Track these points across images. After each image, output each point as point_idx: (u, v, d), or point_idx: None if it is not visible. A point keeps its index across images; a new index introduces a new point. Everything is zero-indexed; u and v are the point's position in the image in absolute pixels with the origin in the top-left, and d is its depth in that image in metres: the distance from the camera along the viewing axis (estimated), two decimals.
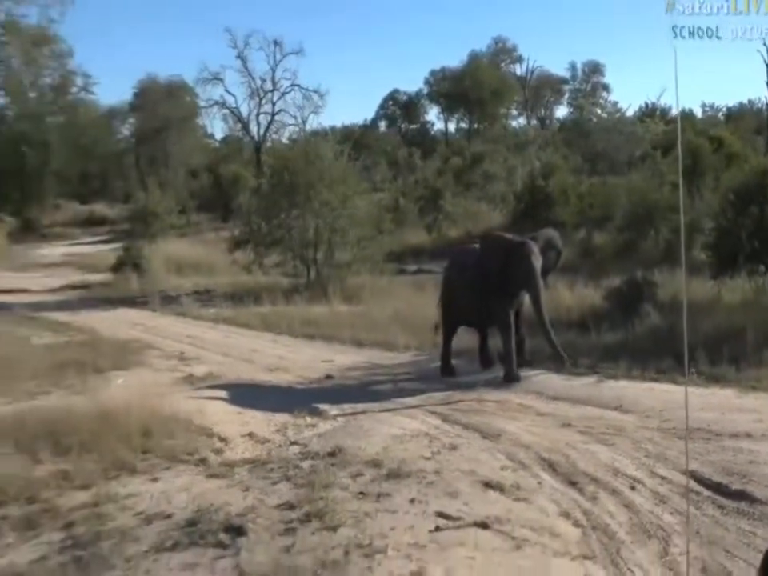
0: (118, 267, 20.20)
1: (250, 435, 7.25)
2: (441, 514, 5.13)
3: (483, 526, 4.95)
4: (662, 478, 5.83)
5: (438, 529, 4.92)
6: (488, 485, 5.65)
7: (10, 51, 24.16)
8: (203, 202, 36.93)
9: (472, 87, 48.73)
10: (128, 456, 6.31)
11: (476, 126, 51.60)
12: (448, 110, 53.04)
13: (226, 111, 43.83)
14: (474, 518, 5.06)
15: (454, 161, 32.98)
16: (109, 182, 42.21)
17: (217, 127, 65.97)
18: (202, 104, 43.74)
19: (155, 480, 6.00)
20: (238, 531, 4.88)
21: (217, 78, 42.12)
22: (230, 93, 43.08)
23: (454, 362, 9.79)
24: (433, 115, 54.93)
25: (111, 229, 33.13)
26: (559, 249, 9.93)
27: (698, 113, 46.78)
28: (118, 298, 17.82)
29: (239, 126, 44.90)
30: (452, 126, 54.52)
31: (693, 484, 5.58)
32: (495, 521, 5.02)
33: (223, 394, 8.64)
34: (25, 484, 5.75)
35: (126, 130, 45.19)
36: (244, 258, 18.78)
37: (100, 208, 40.15)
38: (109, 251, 23.51)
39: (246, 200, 22.49)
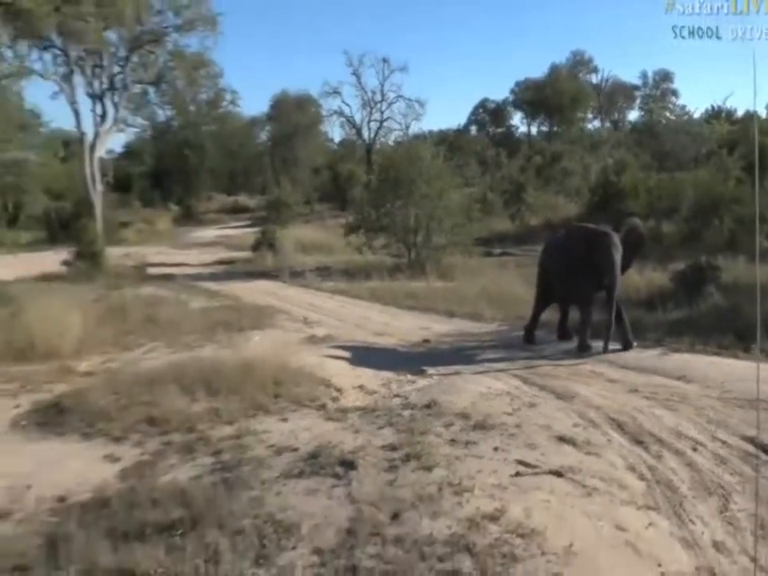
0: (256, 247, 20.74)
1: (361, 387, 7.25)
2: (520, 462, 5.00)
3: (558, 474, 4.79)
4: (723, 442, 5.42)
5: (518, 474, 4.80)
6: (562, 439, 5.45)
7: (175, 74, 25.21)
8: (324, 194, 37.55)
9: (552, 95, 46.89)
10: (263, 399, 6.45)
11: (555, 129, 49.63)
12: (530, 116, 51.27)
13: (343, 119, 44.36)
14: (549, 466, 4.91)
15: (536, 159, 31.84)
16: (250, 177, 43.65)
17: (335, 132, 66.78)
18: (324, 113, 44.47)
19: (284, 420, 6.12)
20: (350, 465, 4.94)
21: (336, 92, 42.66)
22: (346, 104, 43.61)
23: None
24: (517, 120, 53.27)
25: (252, 216, 34.13)
26: (642, 235, 9.16)
27: (763, 113, 42.85)
28: (256, 271, 18.25)
29: (353, 131, 45.30)
30: (534, 130, 52.69)
31: (754, 449, 5.17)
32: (568, 470, 4.84)
33: (339, 352, 8.67)
34: (185, 417, 6.01)
35: (263, 136, 46.64)
36: (356, 240, 18.87)
37: (243, 199, 41.55)
38: (250, 234, 24.15)
39: (358, 193, 22.68)
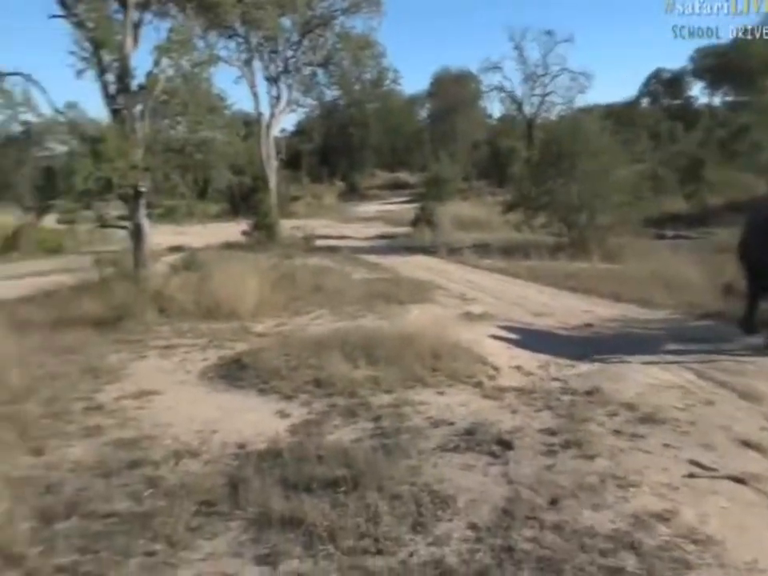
0: (415, 222, 21.04)
1: (518, 368, 7.04)
2: (694, 463, 4.55)
3: (739, 480, 4.29)
4: None
5: (691, 475, 4.38)
6: (745, 443, 4.86)
7: (342, 56, 26.15)
8: (482, 170, 37.07)
9: (740, 60, 41.54)
10: (421, 371, 6.47)
11: (744, 98, 44.06)
12: (713, 85, 46.02)
13: (503, 94, 43.25)
14: (729, 471, 4.41)
15: (718, 132, 28.60)
16: (411, 154, 44.22)
17: (495, 108, 65.28)
18: (484, 89, 43.67)
19: (441, 394, 6.10)
20: (507, 445, 4.83)
21: (496, 67, 41.67)
22: (507, 79, 42.47)
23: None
24: (697, 90, 48.19)
25: (411, 192, 34.62)
26: None
27: None
28: (414, 246, 18.47)
29: (514, 106, 44.03)
30: (716, 100, 47.30)
31: None
32: (752, 478, 4.31)
33: (496, 330, 8.48)
34: (348, 383, 6.20)
35: (423, 113, 46.96)
36: (515, 218, 18.38)
37: (403, 175, 42.33)
38: (409, 209, 24.50)
39: (518, 169, 22.05)
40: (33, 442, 5.09)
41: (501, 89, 42.81)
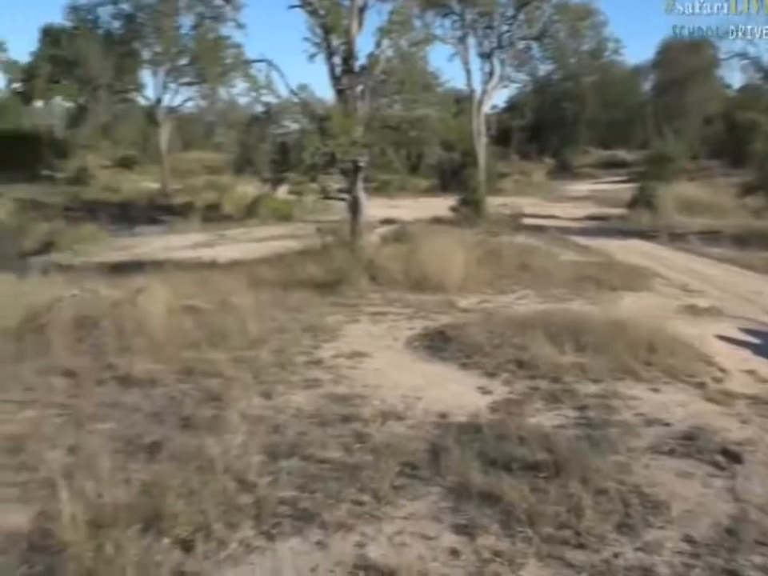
0: (632, 204, 19.61)
1: (750, 372, 6.17)
2: None
3: None
4: None
5: None
6: None
7: (559, 27, 24.94)
8: (714, 147, 32.84)
9: None
10: (633, 364, 6.01)
11: None
12: None
13: (746, 61, 37.42)
14: None
15: None
16: (629, 130, 40.85)
17: (734, 77, 56.94)
18: (722, 56, 38.23)
19: (656, 390, 5.61)
20: (734, 457, 4.30)
21: (740, 30, 36.04)
22: (752, 43, 36.57)
23: None
24: None
25: (628, 171, 32.10)
26: None
27: None
28: (629, 230, 17.23)
29: (759, 74, 37.93)
30: None
31: None
32: None
33: (724, 328, 7.58)
34: (552, 367, 5.98)
35: (647, 85, 42.97)
36: (755, 202, 16.02)
37: (620, 153, 39.40)
38: (625, 190, 22.78)
39: (762, 146, 19.12)
40: (264, 386, 5.73)
41: (743, 55, 37.19)
